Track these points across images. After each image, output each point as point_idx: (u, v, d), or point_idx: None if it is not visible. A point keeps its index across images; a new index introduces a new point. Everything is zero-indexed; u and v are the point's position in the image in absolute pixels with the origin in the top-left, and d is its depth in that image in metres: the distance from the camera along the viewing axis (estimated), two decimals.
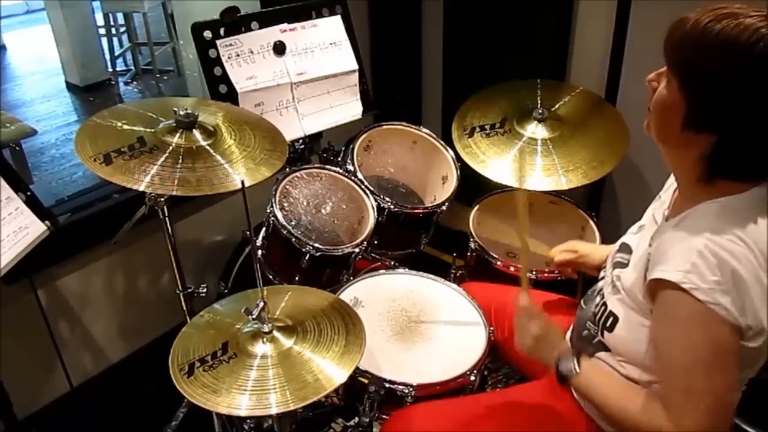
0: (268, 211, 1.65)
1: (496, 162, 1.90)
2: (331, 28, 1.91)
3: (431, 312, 1.59)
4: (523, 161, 1.79)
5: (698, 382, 0.95)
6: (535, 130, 1.96)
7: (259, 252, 1.71)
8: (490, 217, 2.02)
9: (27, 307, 1.79)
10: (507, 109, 2.03)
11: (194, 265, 2.21)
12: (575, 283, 1.57)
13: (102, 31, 4.29)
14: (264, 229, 1.71)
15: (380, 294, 1.63)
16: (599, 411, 1.13)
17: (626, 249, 1.16)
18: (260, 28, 1.79)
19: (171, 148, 1.38)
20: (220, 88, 1.72)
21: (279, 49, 1.81)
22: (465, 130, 2.00)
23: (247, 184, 1.23)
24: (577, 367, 1.12)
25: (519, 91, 2.08)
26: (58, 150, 3.43)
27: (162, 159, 1.35)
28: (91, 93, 4.14)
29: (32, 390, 1.90)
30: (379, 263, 1.89)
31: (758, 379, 1.08)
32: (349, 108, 1.95)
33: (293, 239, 1.60)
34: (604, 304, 1.15)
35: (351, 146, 1.89)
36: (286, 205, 1.74)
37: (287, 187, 1.75)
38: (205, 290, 1.67)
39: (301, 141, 1.90)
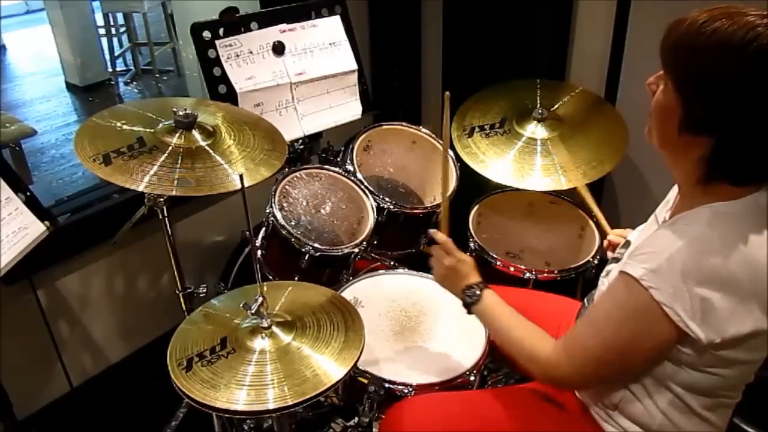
0: (268, 211, 1.65)
1: (495, 162, 1.90)
2: (330, 28, 1.91)
3: (431, 312, 1.59)
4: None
5: (602, 353, 1.00)
6: (535, 130, 1.96)
7: (259, 252, 1.71)
8: (489, 217, 2.02)
9: (27, 307, 1.79)
10: (506, 109, 2.03)
11: (194, 265, 2.20)
12: (575, 283, 1.57)
13: (102, 31, 4.29)
14: (263, 229, 1.71)
15: (380, 294, 1.63)
16: (497, 338, 1.22)
17: (626, 245, 1.17)
18: (259, 28, 1.78)
19: (170, 148, 1.39)
20: (220, 89, 1.72)
21: (278, 49, 1.81)
22: (464, 130, 2.00)
23: (246, 184, 1.23)
24: (479, 293, 1.20)
25: (518, 91, 2.08)
26: (58, 150, 3.43)
27: (161, 159, 1.35)
28: (91, 93, 4.14)
29: (32, 390, 1.89)
30: (379, 263, 1.89)
31: (758, 379, 1.08)
32: (348, 108, 1.95)
33: (293, 239, 1.60)
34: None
35: (350, 146, 1.89)
36: (285, 205, 1.74)
37: (287, 187, 1.75)
38: (204, 290, 1.67)
39: (300, 141, 1.90)
